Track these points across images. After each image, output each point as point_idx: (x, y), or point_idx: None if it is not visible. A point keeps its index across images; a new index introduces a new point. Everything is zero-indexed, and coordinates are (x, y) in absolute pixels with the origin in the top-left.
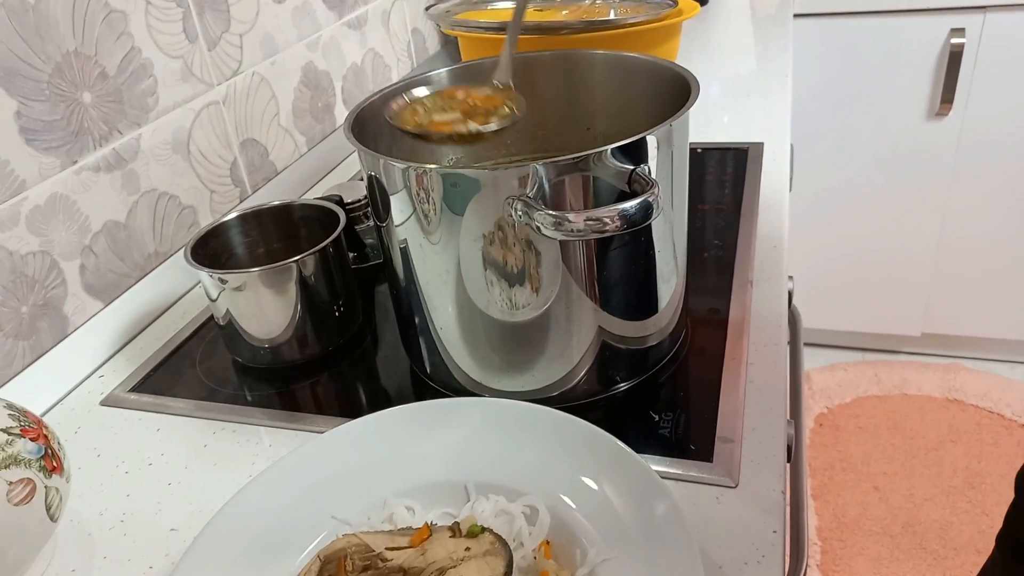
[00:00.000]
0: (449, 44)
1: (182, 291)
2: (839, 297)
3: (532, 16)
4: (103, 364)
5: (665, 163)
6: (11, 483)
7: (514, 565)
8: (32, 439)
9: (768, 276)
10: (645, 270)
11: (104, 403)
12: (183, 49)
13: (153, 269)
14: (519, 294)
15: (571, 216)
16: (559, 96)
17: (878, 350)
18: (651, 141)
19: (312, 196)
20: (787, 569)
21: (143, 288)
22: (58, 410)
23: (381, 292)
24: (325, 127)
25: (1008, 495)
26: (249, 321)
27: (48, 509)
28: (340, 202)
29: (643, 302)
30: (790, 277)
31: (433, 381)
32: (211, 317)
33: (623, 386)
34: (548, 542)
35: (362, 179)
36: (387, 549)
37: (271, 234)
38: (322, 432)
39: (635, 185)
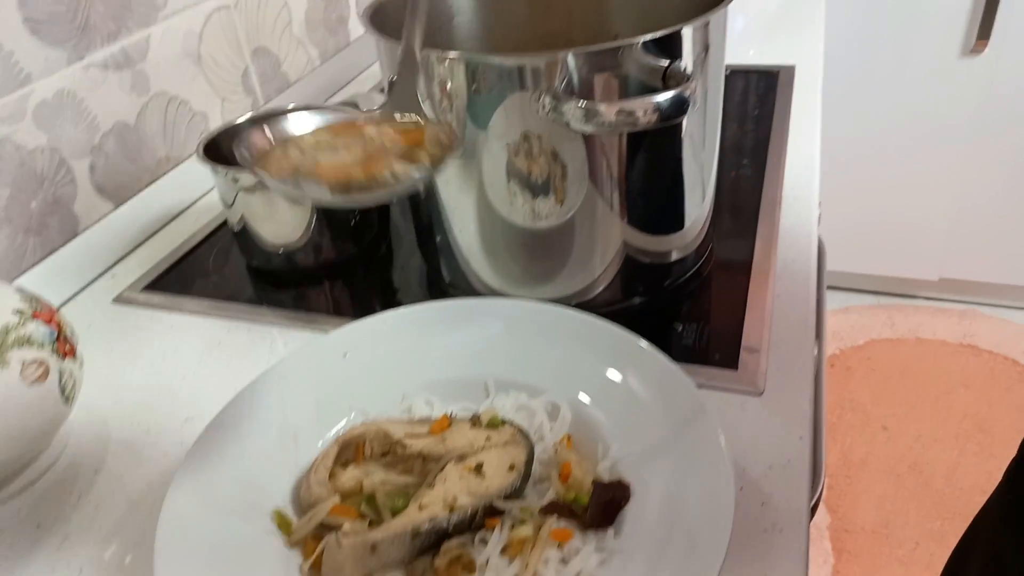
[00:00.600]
0: None
1: (194, 198)
2: (855, 239)
3: None
4: (114, 265)
5: (700, 62)
6: (25, 363)
7: (535, 457)
8: (45, 322)
9: (798, 195)
10: (673, 181)
11: (116, 301)
12: None
13: (164, 174)
14: (542, 204)
15: (602, 107)
16: (586, 5)
17: (893, 294)
18: (687, 35)
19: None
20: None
21: (154, 192)
22: (69, 307)
23: (396, 211)
24: (339, 40)
25: (1018, 440)
26: (264, 227)
27: (63, 392)
28: (357, 108)
29: (670, 215)
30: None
31: (452, 290)
32: (224, 224)
33: (645, 298)
34: (570, 436)
35: (382, 90)
36: (406, 436)
37: None
38: None
39: (669, 82)
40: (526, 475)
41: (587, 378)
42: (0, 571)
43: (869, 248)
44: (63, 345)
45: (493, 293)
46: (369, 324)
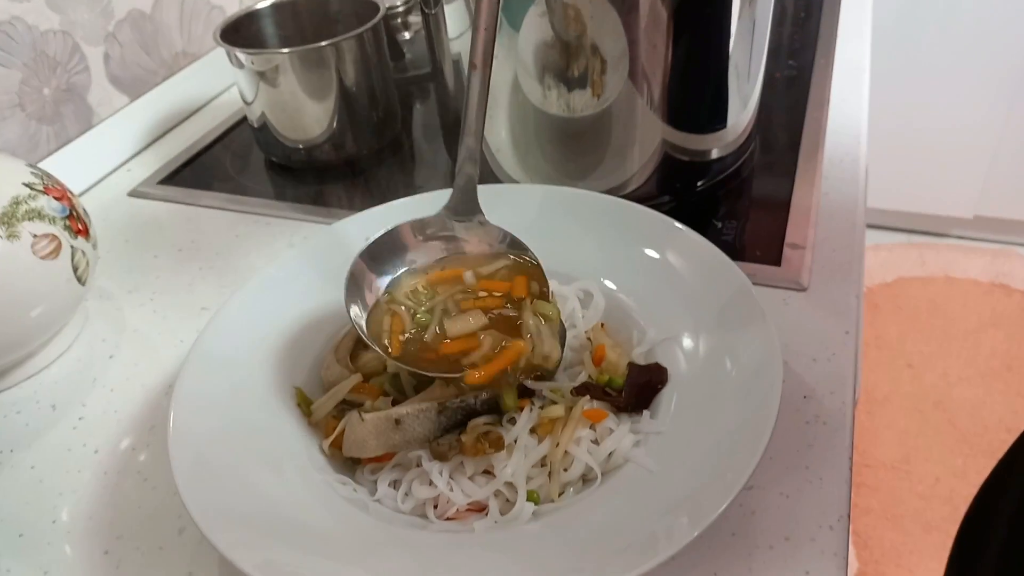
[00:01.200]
0: None
1: (212, 94)
2: (887, 173)
3: None
4: (130, 159)
5: None
6: (36, 236)
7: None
8: (56, 198)
9: (847, 96)
10: (718, 75)
11: (132, 194)
12: None
13: (181, 69)
14: (578, 98)
15: None
16: None
17: (925, 232)
18: None
19: None
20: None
21: (171, 87)
22: (84, 200)
23: (419, 110)
24: None
25: None
26: (285, 122)
27: (76, 271)
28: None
29: (713, 112)
30: None
31: None
32: (242, 121)
33: (682, 196)
34: (603, 324)
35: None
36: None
37: (306, 30)
38: None
39: None
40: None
41: (622, 263)
42: (17, 449)
43: (903, 184)
44: (75, 223)
45: None
46: (393, 207)
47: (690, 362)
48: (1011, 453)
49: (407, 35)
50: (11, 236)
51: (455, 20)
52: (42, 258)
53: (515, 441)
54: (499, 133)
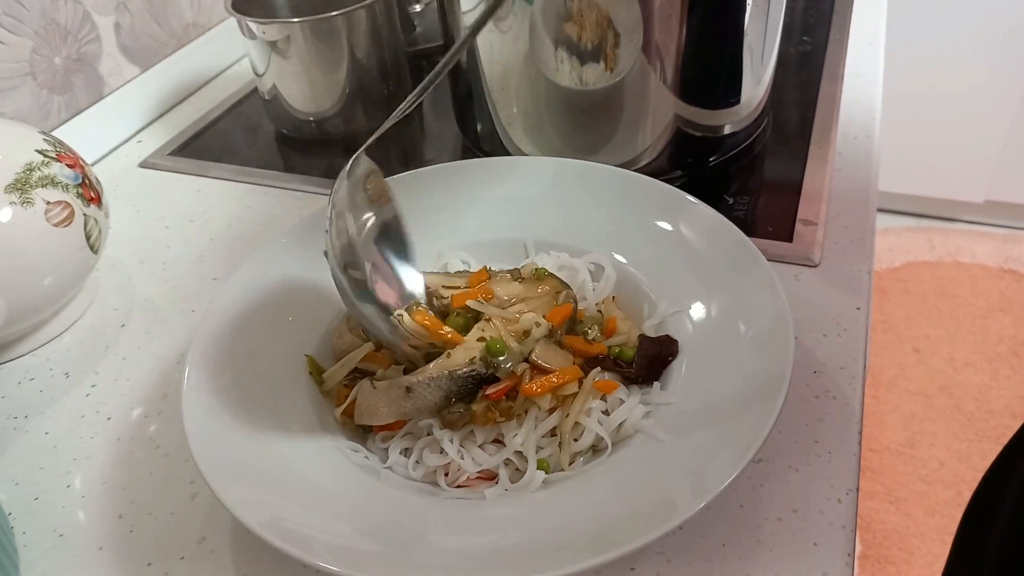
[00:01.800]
0: None
1: (222, 67)
2: (898, 157)
3: None
4: (141, 130)
5: None
6: (49, 203)
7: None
8: (69, 165)
9: (862, 71)
10: (733, 50)
11: (143, 165)
12: None
13: (191, 40)
14: (591, 71)
15: None
16: None
17: (935, 216)
18: None
19: None
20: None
21: (181, 58)
22: (95, 169)
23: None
24: None
25: None
26: (296, 94)
27: (88, 239)
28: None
29: (726, 87)
30: None
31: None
32: (252, 93)
33: (694, 171)
34: (614, 297)
35: None
36: (443, 288)
37: (317, 3)
38: None
39: None
40: (569, 327)
41: (633, 236)
42: (32, 415)
43: (913, 168)
44: (88, 191)
45: None
46: (404, 179)
47: (701, 334)
48: (1018, 438)
49: (418, 7)
50: (25, 202)
51: None
52: (55, 225)
53: (526, 411)
54: (511, 106)
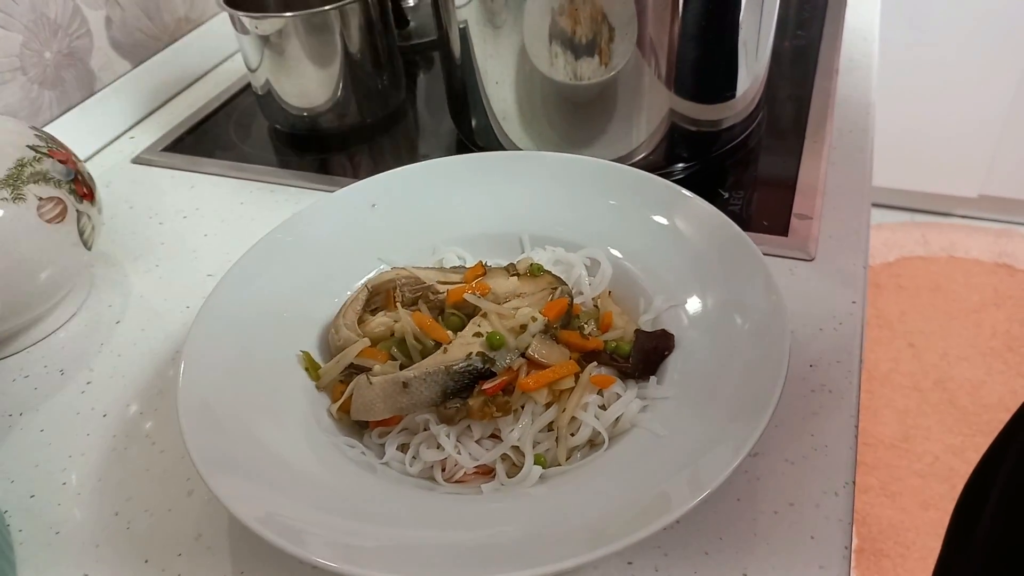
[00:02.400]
0: None
1: (214, 62)
2: (892, 152)
3: None
4: (133, 126)
5: None
6: (41, 199)
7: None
8: (61, 161)
9: (856, 66)
10: (728, 44)
11: (136, 161)
12: None
13: (183, 35)
14: (585, 67)
15: None
16: None
17: (928, 211)
18: None
19: None
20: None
21: (173, 54)
22: (88, 166)
23: (424, 78)
24: None
25: None
26: (290, 89)
27: (82, 235)
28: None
29: (721, 82)
30: None
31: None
32: (245, 88)
33: (689, 165)
34: (610, 292)
35: None
36: (438, 283)
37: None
38: None
39: None
40: (565, 324)
41: (628, 231)
42: (27, 412)
43: (907, 163)
44: (81, 187)
45: None
46: (400, 175)
47: (697, 328)
48: (1008, 428)
49: (412, 1)
50: (17, 198)
51: None
52: (48, 221)
53: (522, 405)
54: (506, 100)
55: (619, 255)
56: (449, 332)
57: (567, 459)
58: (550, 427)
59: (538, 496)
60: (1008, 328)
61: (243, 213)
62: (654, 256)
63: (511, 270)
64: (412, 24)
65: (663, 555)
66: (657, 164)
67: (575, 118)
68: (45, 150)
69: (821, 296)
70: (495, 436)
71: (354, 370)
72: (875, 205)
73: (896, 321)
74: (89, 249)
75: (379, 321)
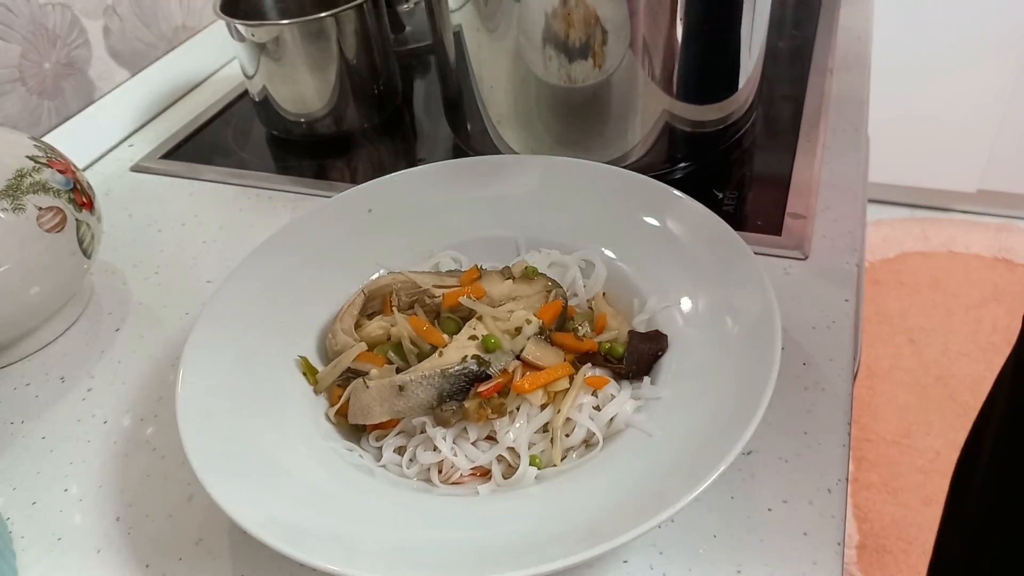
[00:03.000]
0: None
1: (212, 69)
2: (891, 147)
3: None
4: (132, 134)
5: None
6: (41, 208)
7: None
8: (60, 171)
9: (850, 65)
10: (720, 46)
11: (135, 169)
12: None
13: (181, 43)
14: (578, 69)
15: None
16: None
17: (928, 207)
18: None
19: None
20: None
21: (171, 61)
22: (87, 174)
23: (420, 83)
24: None
25: None
26: (286, 95)
27: (81, 243)
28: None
29: (714, 83)
30: None
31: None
32: (243, 96)
33: (683, 166)
34: (604, 293)
35: None
36: (434, 287)
37: (306, 3)
38: None
39: None
40: (559, 326)
41: (622, 233)
42: (28, 419)
43: (906, 159)
44: (80, 196)
45: None
46: (395, 180)
47: (690, 329)
48: (990, 396)
49: (407, 7)
50: (16, 208)
51: None
52: (47, 231)
53: (518, 408)
54: (500, 104)
55: (613, 256)
56: (445, 336)
57: (562, 459)
58: (545, 428)
59: (534, 496)
60: (1008, 323)
61: (242, 220)
62: (647, 257)
63: (506, 273)
64: (408, 29)
65: (658, 553)
66: (652, 165)
67: (570, 121)
68: (44, 160)
69: (815, 295)
70: (491, 438)
71: (351, 374)
72: (875, 201)
73: (896, 317)
74: (89, 257)
75: (376, 325)
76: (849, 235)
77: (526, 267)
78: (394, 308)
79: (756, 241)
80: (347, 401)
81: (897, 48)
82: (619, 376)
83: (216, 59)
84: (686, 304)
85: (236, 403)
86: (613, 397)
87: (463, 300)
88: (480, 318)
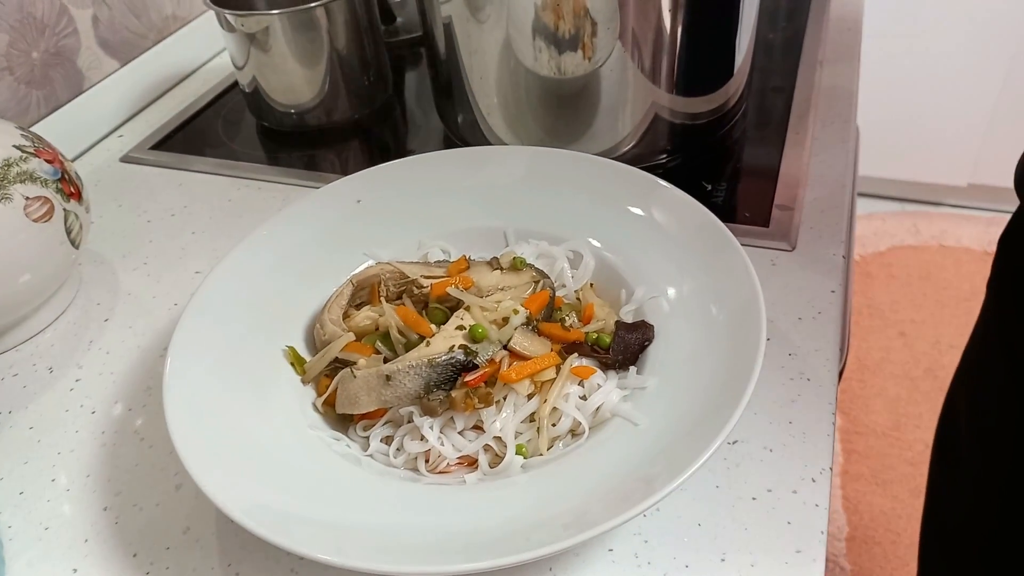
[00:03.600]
0: None
1: (202, 60)
2: (881, 141)
3: None
4: (122, 125)
5: None
6: (28, 198)
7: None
8: (47, 160)
9: (840, 57)
10: (708, 38)
11: (124, 160)
12: None
13: (171, 33)
14: (568, 61)
15: None
16: None
17: (919, 200)
18: None
19: None
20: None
21: (161, 52)
22: (77, 165)
23: (411, 75)
24: None
25: None
26: (276, 86)
27: (69, 233)
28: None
29: (703, 75)
30: None
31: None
32: (233, 86)
33: (672, 158)
34: (592, 284)
35: None
36: (423, 277)
37: None
38: None
39: None
40: (547, 316)
41: (610, 223)
42: (16, 410)
43: (897, 153)
44: (68, 186)
45: None
46: (384, 171)
47: (677, 318)
48: (962, 361)
49: None
50: (3, 198)
51: None
52: (35, 220)
53: (504, 397)
54: (490, 96)
55: (600, 246)
56: (433, 326)
57: (549, 449)
58: (532, 418)
59: (520, 485)
60: None
61: (231, 210)
62: (634, 247)
63: (494, 264)
64: (399, 20)
65: (643, 542)
66: (642, 157)
67: (560, 112)
68: (31, 150)
69: (801, 286)
70: (478, 427)
71: (339, 364)
72: (866, 195)
73: (887, 310)
74: (77, 248)
75: (364, 315)
76: (836, 226)
77: (514, 258)
78: (382, 298)
79: (744, 232)
80: (335, 391)
81: (888, 41)
82: (606, 366)
83: (207, 49)
84: (672, 294)
85: (224, 393)
86: (599, 386)
87: (451, 290)
88: (468, 308)
